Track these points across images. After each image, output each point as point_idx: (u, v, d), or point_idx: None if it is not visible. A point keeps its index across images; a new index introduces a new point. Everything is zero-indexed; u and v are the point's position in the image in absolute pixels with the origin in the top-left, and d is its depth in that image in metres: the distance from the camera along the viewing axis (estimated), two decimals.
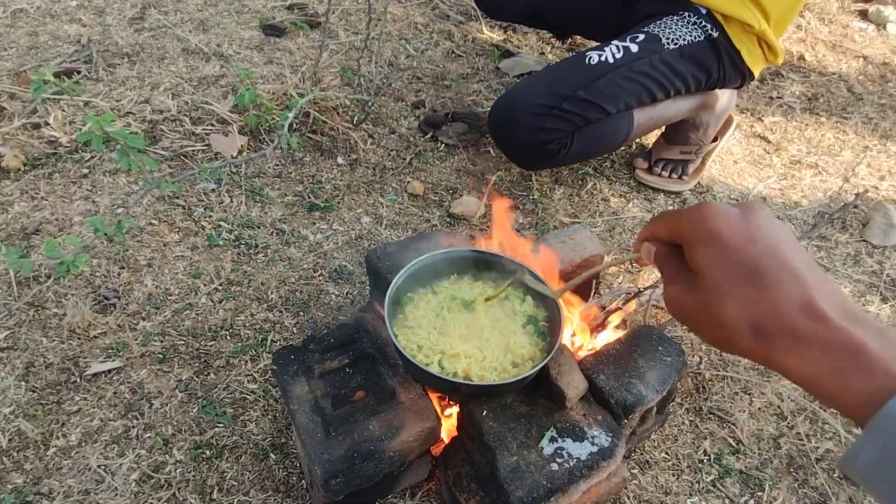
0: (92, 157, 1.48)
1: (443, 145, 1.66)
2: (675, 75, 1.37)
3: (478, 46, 2.09)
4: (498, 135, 1.41)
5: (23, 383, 1.06)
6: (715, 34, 1.36)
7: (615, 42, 1.35)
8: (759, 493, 1.02)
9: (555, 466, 0.81)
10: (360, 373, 0.90)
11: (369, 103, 1.64)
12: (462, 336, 0.84)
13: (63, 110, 1.59)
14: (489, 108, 1.51)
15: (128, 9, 2.03)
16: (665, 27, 1.36)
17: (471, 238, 1.08)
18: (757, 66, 1.43)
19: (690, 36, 1.35)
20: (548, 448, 0.83)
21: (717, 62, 1.39)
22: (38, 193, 1.39)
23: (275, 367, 0.91)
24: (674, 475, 1.03)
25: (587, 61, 1.33)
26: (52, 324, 1.14)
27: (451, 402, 0.94)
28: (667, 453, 1.06)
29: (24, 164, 1.44)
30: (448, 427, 0.94)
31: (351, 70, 1.69)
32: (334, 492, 0.82)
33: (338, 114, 1.62)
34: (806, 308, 0.40)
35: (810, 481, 1.03)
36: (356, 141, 1.60)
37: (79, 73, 1.72)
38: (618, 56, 1.32)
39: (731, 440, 1.08)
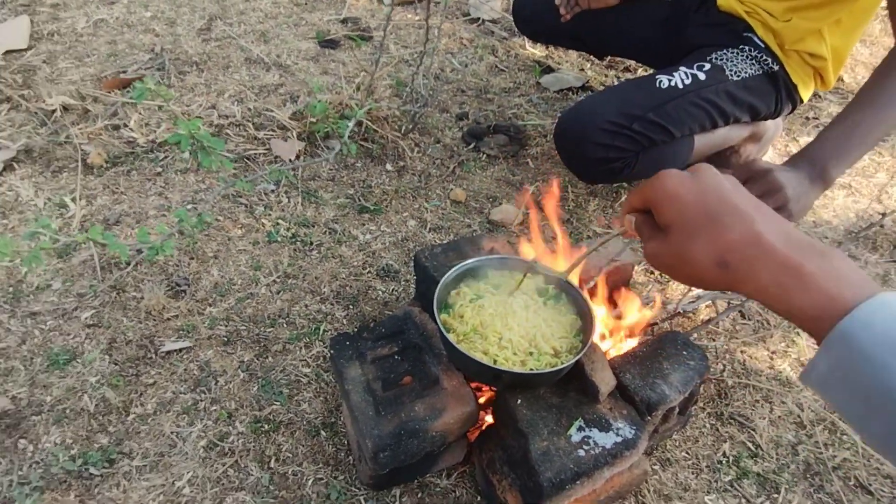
0: (165, 157, 1.63)
1: (484, 155, 1.76)
2: (737, 105, 1.41)
3: (520, 62, 2.18)
4: (565, 147, 1.43)
5: (106, 357, 1.19)
6: (775, 68, 1.40)
7: (682, 68, 1.39)
8: (775, 496, 1.07)
9: (582, 453, 0.89)
10: (408, 360, 1.00)
11: (417, 114, 1.75)
12: (503, 329, 0.93)
13: (140, 113, 1.74)
14: (530, 119, 1.59)
15: (196, 20, 2.19)
16: (727, 59, 1.40)
17: (510, 243, 1.16)
18: (807, 95, 1.48)
19: (751, 69, 1.40)
20: (576, 436, 0.91)
21: (776, 95, 1.43)
22: (118, 188, 1.54)
23: (332, 352, 1.02)
24: (693, 473, 1.10)
25: (657, 84, 1.37)
26: (132, 306, 1.28)
27: (489, 390, 1.03)
28: (687, 453, 1.13)
29: (106, 162, 1.59)
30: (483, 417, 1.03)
31: (402, 83, 1.80)
32: (382, 465, 0.91)
33: (388, 123, 1.73)
34: (755, 240, 0.48)
35: (826, 487, 1.09)
36: (404, 149, 1.71)
37: (153, 79, 1.88)
38: (686, 82, 1.37)
39: (750, 444, 1.14)
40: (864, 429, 0.44)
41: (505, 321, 0.94)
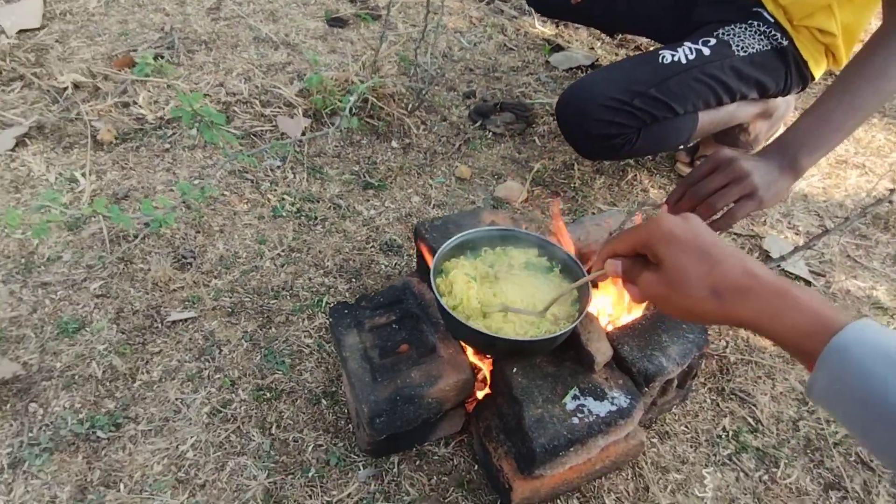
0: (173, 134, 1.65)
1: (490, 133, 1.75)
2: (743, 81, 1.38)
3: (529, 40, 2.16)
4: (566, 123, 1.41)
5: (114, 326, 1.22)
6: (784, 43, 1.37)
7: (687, 43, 1.36)
8: (774, 470, 1.07)
9: (576, 420, 0.89)
10: (405, 329, 1.01)
11: (424, 92, 1.74)
12: (498, 298, 0.93)
13: (149, 91, 1.76)
14: (538, 98, 1.58)
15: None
16: (734, 35, 1.37)
17: (511, 219, 1.16)
18: (819, 73, 1.44)
19: (759, 45, 1.36)
20: (570, 404, 0.91)
21: (785, 71, 1.40)
22: (127, 164, 1.56)
23: (330, 320, 1.03)
24: (692, 447, 1.10)
25: (660, 60, 1.34)
26: (139, 277, 1.30)
27: (485, 358, 1.04)
28: (686, 427, 1.12)
29: (116, 138, 1.61)
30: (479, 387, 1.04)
31: (408, 60, 1.80)
32: (378, 430, 0.93)
33: (394, 100, 1.73)
34: (744, 271, 0.55)
35: (826, 463, 1.08)
36: (410, 126, 1.71)
37: (162, 57, 1.90)
38: (690, 58, 1.34)
39: (750, 419, 1.14)
40: (867, 440, 0.48)
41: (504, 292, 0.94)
